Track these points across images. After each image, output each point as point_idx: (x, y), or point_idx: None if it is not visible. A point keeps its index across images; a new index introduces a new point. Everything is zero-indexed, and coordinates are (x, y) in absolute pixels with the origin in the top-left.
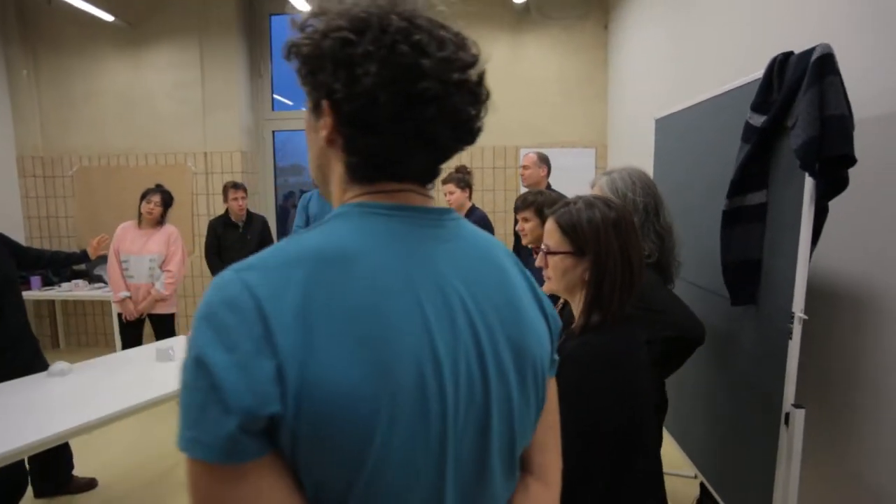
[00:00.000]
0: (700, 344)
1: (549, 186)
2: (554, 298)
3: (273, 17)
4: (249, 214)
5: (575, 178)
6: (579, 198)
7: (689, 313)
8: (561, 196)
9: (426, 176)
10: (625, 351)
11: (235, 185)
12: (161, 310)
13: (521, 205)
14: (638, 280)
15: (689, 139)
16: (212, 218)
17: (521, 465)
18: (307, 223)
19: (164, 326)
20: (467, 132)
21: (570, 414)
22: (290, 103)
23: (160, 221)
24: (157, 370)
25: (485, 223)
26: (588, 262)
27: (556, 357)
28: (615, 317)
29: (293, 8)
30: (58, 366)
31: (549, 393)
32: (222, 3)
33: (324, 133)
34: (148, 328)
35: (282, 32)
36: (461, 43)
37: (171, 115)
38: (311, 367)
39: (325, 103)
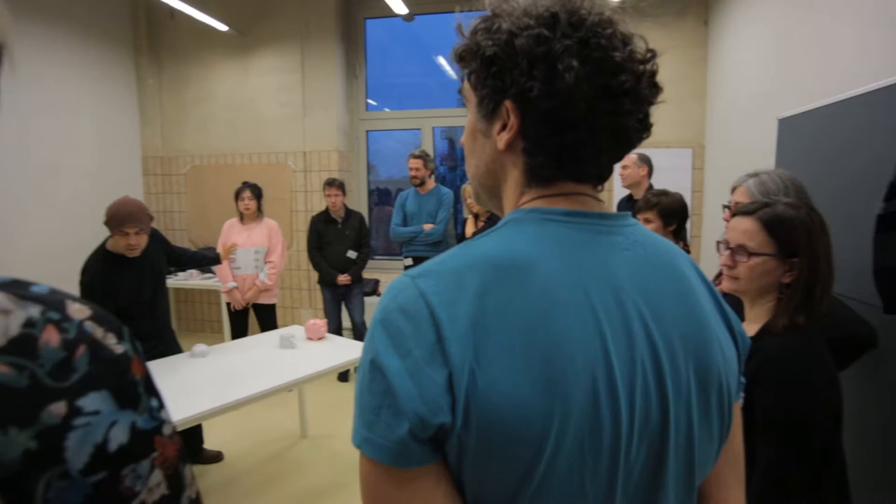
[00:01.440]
0: (872, 346)
1: (650, 187)
2: None
3: (367, 21)
4: (348, 211)
5: (670, 180)
6: (774, 199)
7: (855, 314)
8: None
9: (603, 176)
10: (825, 354)
11: (330, 183)
12: (264, 300)
13: (645, 206)
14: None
15: (820, 140)
16: (311, 214)
17: (699, 499)
18: (404, 221)
19: (267, 316)
20: (647, 125)
21: (775, 413)
22: (373, 103)
23: (258, 215)
24: (281, 356)
25: None
26: (790, 265)
27: (743, 380)
28: (817, 320)
29: (389, 11)
30: (198, 348)
31: (734, 420)
32: (322, 10)
33: (504, 135)
34: (252, 317)
35: (375, 36)
36: (633, 36)
37: (273, 116)
38: (482, 378)
39: (508, 104)
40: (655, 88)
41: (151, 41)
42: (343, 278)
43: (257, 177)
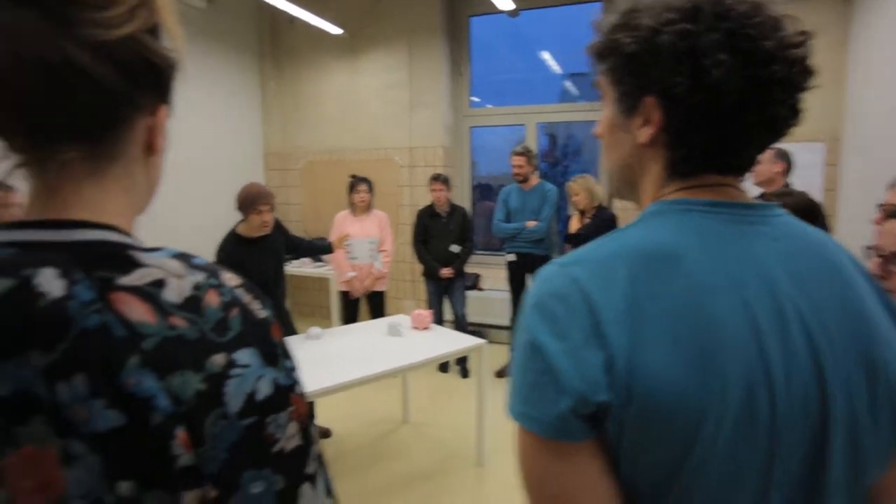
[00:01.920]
0: None
1: (786, 185)
2: None
3: (472, 19)
4: (452, 205)
5: (798, 177)
6: None
7: None
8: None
9: (745, 167)
10: None
11: (436, 178)
12: (377, 287)
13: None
14: None
15: None
16: (416, 208)
17: None
18: (507, 217)
19: (378, 302)
20: (797, 112)
21: None
22: (476, 100)
23: (370, 207)
24: (388, 343)
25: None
26: None
27: None
28: None
29: (493, 7)
30: (313, 330)
31: None
32: (428, 9)
33: (646, 131)
34: (363, 304)
35: (480, 33)
36: (783, 20)
37: (381, 114)
38: (639, 362)
39: (648, 100)
40: (808, 73)
41: (273, 47)
42: (446, 271)
43: (365, 171)
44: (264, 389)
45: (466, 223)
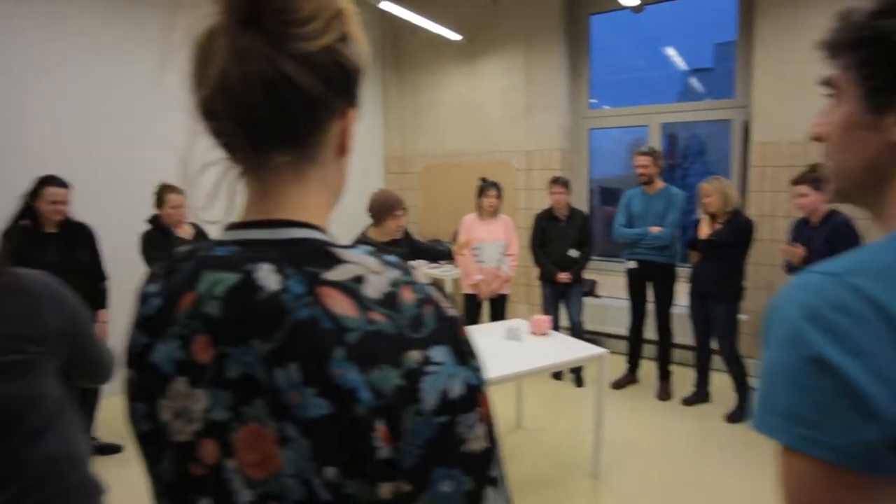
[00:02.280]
0: None
1: None
2: None
3: (592, 17)
4: (571, 209)
5: None
6: None
7: None
8: None
9: None
10: None
11: (555, 181)
12: (503, 290)
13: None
14: None
15: None
16: (533, 212)
17: None
18: (629, 222)
19: (501, 305)
20: None
21: None
22: (593, 101)
23: (497, 212)
24: (507, 347)
25: (847, 230)
26: None
27: None
28: None
29: (615, 4)
30: None
31: None
32: (546, 10)
33: None
34: (484, 307)
35: (600, 32)
36: None
37: (498, 117)
38: None
39: None
40: None
41: (395, 56)
42: (563, 276)
43: (483, 175)
44: (457, 388)
45: (586, 227)
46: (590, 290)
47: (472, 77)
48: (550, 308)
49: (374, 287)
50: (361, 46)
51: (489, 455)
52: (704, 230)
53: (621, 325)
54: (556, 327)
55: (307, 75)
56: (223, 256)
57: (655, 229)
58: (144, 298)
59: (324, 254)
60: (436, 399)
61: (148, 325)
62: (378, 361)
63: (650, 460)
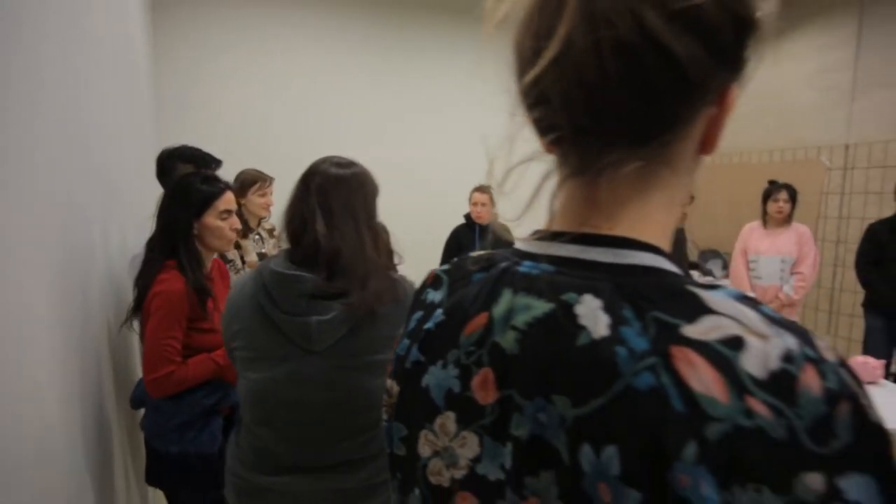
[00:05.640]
0: None
1: None
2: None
3: None
4: None
5: None
6: None
7: None
8: None
9: None
10: None
11: None
12: (786, 313)
13: None
14: None
15: None
16: (847, 220)
17: None
18: None
19: None
20: None
21: None
22: None
23: (788, 220)
24: None
25: None
26: None
27: None
28: None
29: None
30: None
31: None
32: None
33: None
34: None
35: None
36: None
37: (806, 105)
38: None
39: None
40: None
41: None
42: None
43: (778, 176)
44: None
45: None
46: None
47: (773, 59)
48: (882, 347)
49: (759, 359)
50: None
51: None
52: None
53: None
54: (887, 374)
55: (686, 38)
56: (533, 276)
57: None
58: (424, 306)
59: (681, 295)
60: None
61: (426, 340)
62: (750, 477)
63: None
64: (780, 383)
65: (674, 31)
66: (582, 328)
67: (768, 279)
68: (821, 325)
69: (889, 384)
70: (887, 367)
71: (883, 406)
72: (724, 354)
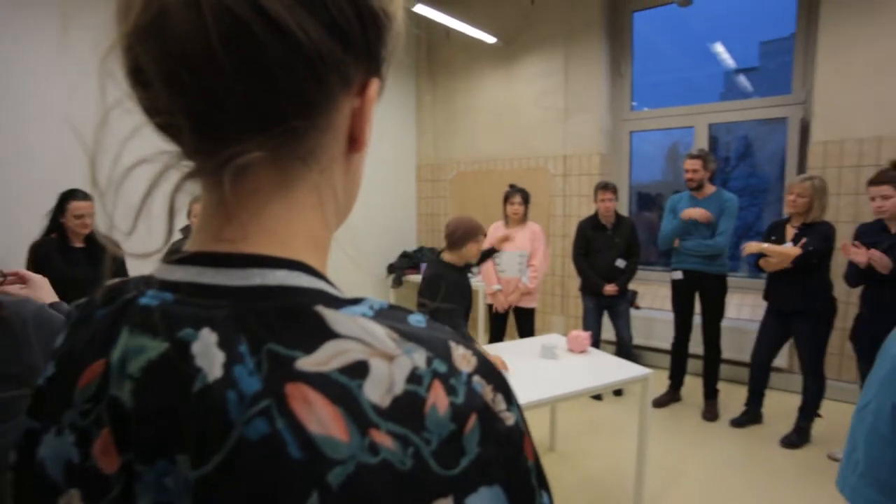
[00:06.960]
0: None
1: None
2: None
3: (636, 14)
4: (618, 216)
5: None
6: None
7: None
8: None
9: None
10: None
11: (605, 186)
12: (525, 303)
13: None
14: None
15: None
16: (570, 219)
17: None
18: None
19: (527, 320)
20: None
21: None
22: (634, 104)
23: (524, 219)
24: (541, 367)
25: None
26: None
27: None
28: None
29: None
30: None
31: None
32: (587, 8)
33: None
34: (510, 320)
35: (643, 29)
36: None
37: (535, 121)
38: None
39: None
40: None
41: (429, 62)
42: (610, 288)
43: (517, 181)
44: None
45: (633, 236)
46: (630, 301)
47: (508, 81)
48: (592, 323)
49: (382, 384)
50: None
51: None
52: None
53: (662, 339)
54: (597, 343)
55: (305, 19)
56: (151, 308)
57: (694, 213)
58: (52, 353)
59: (306, 318)
60: None
61: (37, 401)
62: None
63: (696, 489)
64: (406, 408)
65: (293, 9)
66: (198, 370)
67: (510, 272)
68: (556, 307)
69: (595, 350)
70: (595, 337)
71: (591, 368)
72: (345, 386)
